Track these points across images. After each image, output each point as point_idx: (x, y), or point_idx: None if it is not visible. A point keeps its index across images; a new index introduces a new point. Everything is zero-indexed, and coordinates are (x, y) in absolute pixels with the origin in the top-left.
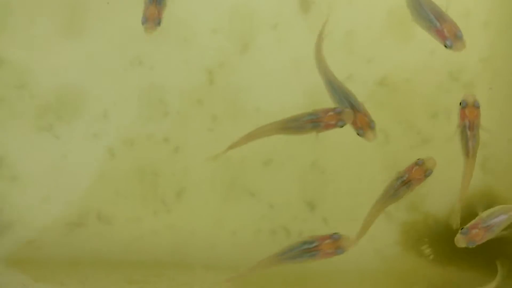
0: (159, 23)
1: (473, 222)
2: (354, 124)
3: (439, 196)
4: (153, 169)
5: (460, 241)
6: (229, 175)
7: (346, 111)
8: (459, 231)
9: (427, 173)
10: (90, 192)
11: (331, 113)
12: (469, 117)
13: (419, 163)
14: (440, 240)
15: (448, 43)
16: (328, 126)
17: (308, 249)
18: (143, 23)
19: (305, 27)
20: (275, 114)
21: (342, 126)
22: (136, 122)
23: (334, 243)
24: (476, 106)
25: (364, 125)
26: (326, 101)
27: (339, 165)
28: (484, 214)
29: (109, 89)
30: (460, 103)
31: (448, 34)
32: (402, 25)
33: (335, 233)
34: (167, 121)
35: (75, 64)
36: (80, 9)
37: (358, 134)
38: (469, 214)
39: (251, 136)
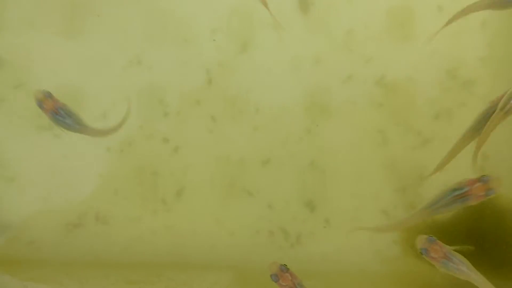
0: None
1: None
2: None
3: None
4: (153, 169)
5: None
6: (228, 175)
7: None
8: None
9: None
10: (89, 192)
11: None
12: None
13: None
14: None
15: None
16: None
17: (459, 195)
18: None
19: (305, 26)
20: (275, 114)
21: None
22: (135, 122)
23: (484, 186)
24: (284, 271)
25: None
26: (325, 101)
27: (338, 165)
28: None
29: (108, 89)
30: (271, 276)
31: None
32: (401, 24)
33: (483, 176)
34: (166, 121)
35: (74, 64)
36: (80, 9)
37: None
38: (469, 215)
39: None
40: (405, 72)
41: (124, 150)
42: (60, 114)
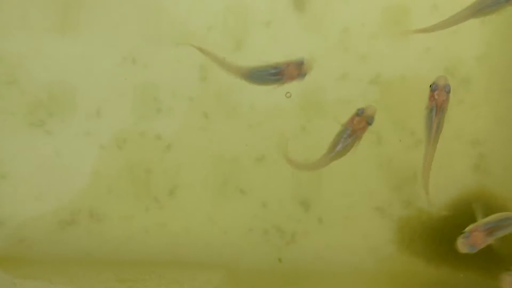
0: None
1: (473, 225)
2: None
3: (432, 195)
4: (146, 167)
5: (461, 246)
6: (222, 173)
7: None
8: (460, 236)
9: (369, 120)
10: (82, 190)
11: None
12: (437, 100)
13: (359, 113)
14: (433, 238)
15: None
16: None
17: None
18: None
19: (300, 24)
20: (269, 112)
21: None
22: (129, 120)
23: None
24: (446, 91)
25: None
26: (321, 99)
27: (333, 163)
28: (484, 219)
29: (101, 86)
30: (431, 86)
31: None
32: (397, 22)
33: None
34: (160, 118)
35: (68, 60)
36: (73, 5)
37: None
38: (464, 214)
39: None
40: (400, 71)
41: (117, 147)
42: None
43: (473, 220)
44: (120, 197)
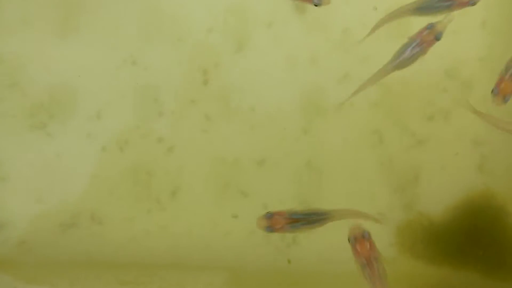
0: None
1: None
2: None
3: (434, 196)
4: (147, 169)
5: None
6: (223, 175)
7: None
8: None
9: (437, 36)
10: (83, 192)
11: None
12: (362, 253)
13: (429, 27)
14: (435, 240)
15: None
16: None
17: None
18: (494, 94)
19: (301, 25)
20: (271, 114)
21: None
22: (130, 122)
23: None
24: (365, 238)
25: None
26: (322, 101)
27: (334, 165)
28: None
29: (102, 89)
30: (349, 239)
31: None
32: (398, 23)
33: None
34: (162, 121)
35: (69, 63)
36: (74, 8)
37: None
38: (466, 216)
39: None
40: (402, 72)
41: (118, 149)
42: None
43: (473, 223)
44: (122, 199)
